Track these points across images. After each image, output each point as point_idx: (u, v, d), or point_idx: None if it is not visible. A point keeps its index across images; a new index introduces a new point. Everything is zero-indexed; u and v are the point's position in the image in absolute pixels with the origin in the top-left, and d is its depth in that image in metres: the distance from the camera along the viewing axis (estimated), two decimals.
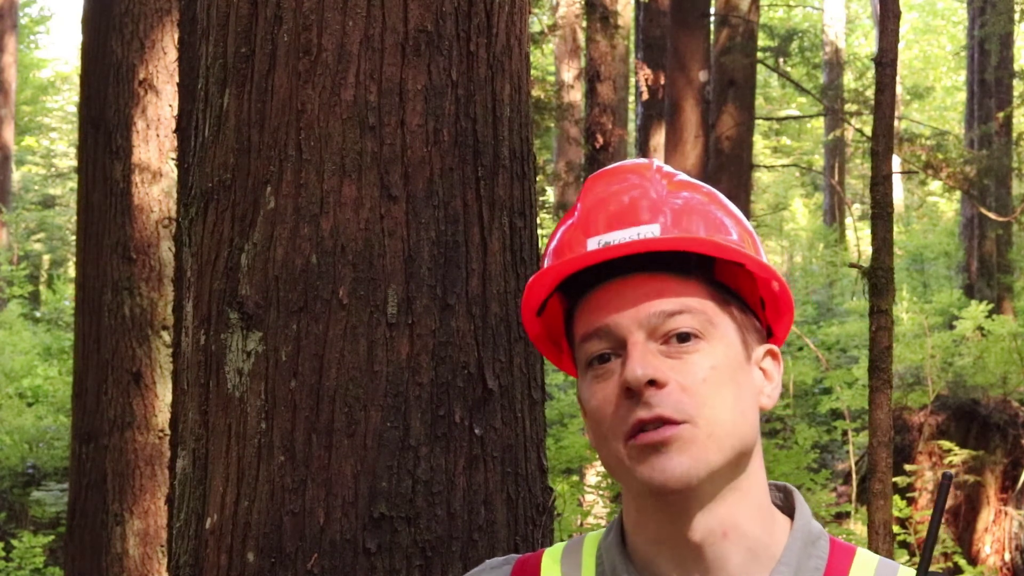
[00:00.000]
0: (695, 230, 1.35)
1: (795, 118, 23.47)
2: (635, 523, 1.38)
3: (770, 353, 1.41)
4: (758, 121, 16.63)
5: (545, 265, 1.40)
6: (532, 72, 2.70)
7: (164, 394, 6.39)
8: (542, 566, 1.43)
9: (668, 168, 1.44)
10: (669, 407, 1.30)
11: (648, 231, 1.33)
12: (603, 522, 8.42)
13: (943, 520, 8.59)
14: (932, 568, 1.39)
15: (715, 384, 1.32)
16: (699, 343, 1.33)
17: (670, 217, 1.35)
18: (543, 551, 1.46)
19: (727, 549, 1.34)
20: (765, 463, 1.40)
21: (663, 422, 1.30)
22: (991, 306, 10.84)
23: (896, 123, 11.23)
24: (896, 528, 7.19)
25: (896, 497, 7.45)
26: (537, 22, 13.09)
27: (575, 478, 9.58)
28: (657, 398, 1.30)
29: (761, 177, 26.61)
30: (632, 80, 17.47)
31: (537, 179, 2.56)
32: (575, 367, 1.44)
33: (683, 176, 1.42)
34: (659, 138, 14.20)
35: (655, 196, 1.36)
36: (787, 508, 1.41)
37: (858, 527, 7.96)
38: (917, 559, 7.76)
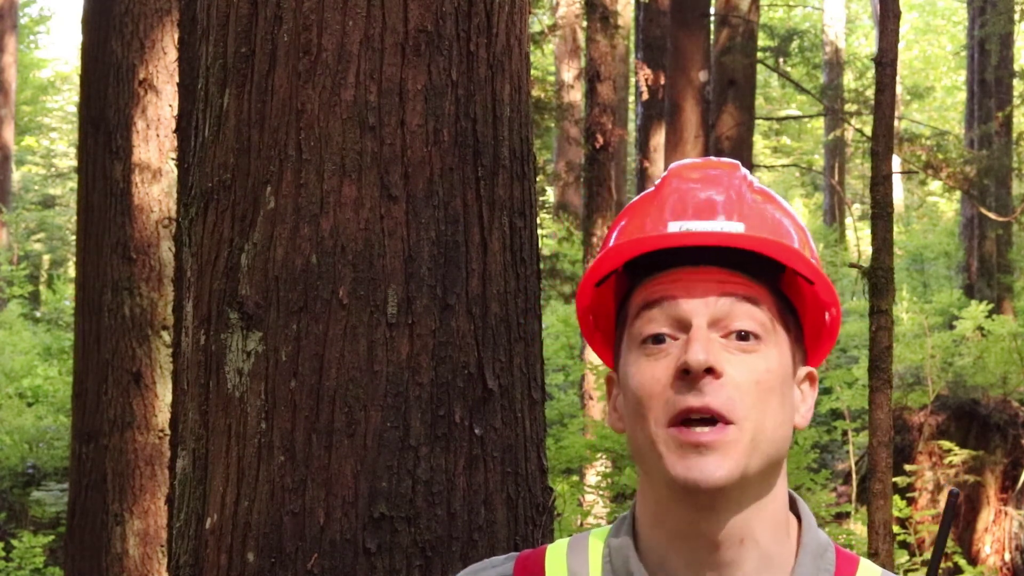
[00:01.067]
0: (779, 238, 1.35)
1: (795, 118, 23.47)
2: (652, 516, 1.37)
3: (809, 376, 1.41)
4: (758, 121, 16.63)
5: (612, 242, 1.39)
6: (532, 72, 2.71)
7: (164, 394, 6.39)
8: (546, 562, 1.42)
9: (749, 175, 1.43)
10: (720, 400, 1.29)
11: (733, 227, 1.33)
12: (603, 522, 8.41)
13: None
14: (917, 563, 1.40)
15: (766, 389, 1.31)
16: (759, 344, 1.32)
17: (753, 219, 1.35)
18: (545, 547, 1.44)
19: (742, 555, 1.34)
20: None
21: (710, 414, 1.29)
22: (991, 306, 10.83)
23: (896, 123, 11.23)
24: (896, 528, 7.19)
25: (896, 497, 7.45)
26: (537, 22, 13.09)
27: (575, 478, 9.58)
28: (711, 388, 1.29)
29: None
30: (632, 80, 17.47)
31: (537, 179, 2.56)
32: (608, 347, 1.43)
33: (761, 185, 1.42)
34: (659, 138, 14.20)
35: (739, 197, 1.36)
36: (793, 515, 1.40)
37: (858, 527, 7.96)
38: (917, 559, 7.75)
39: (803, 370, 1.40)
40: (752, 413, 1.30)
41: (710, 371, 1.29)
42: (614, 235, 1.40)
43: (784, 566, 1.35)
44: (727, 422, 1.29)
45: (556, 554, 1.43)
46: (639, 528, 1.39)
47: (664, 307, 1.33)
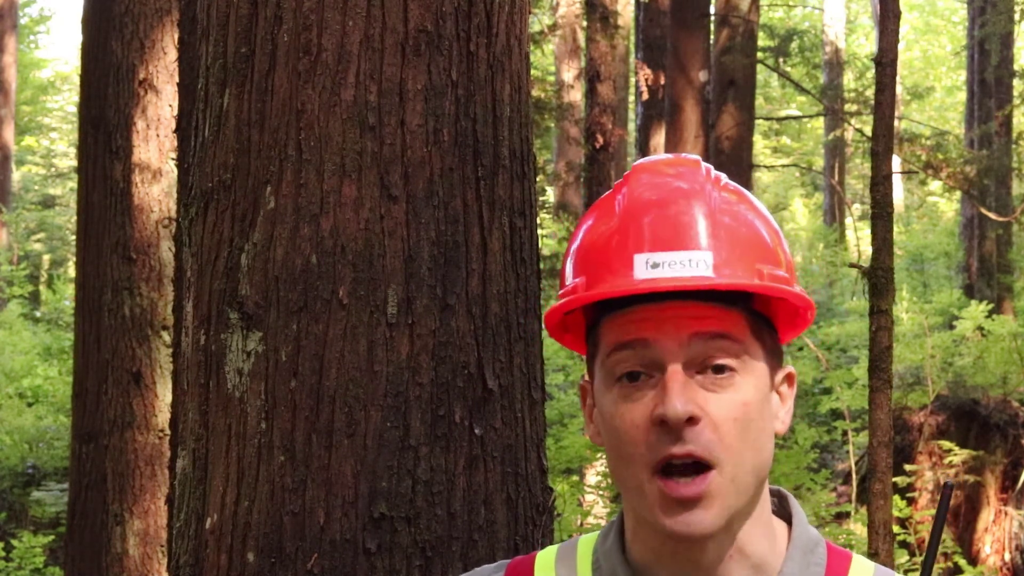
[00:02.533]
0: (748, 262, 1.31)
1: (795, 118, 23.47)
2: (634, 533, 1.37)
3: (787, 377, 1.39)
4: (758, 121, 16.63)
5: (573, 252, 1.36)
6: (532, 72, 2.71)
7: (164, 394, 6.39)
8: (535, 570, 1.42)
9: (714, 171, 1.39)
10: (701, 445, 1.28)
11: (701, 259, 1.28)
12: (603, 522, 8.41)
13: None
14: (917, 563, 1.40)
15: (743, 423, 1.30)
16: (734, 376, 1.30)
17: (724, 245, 1.30)
18: (535, 554, 1.44)
19: (731, 568, 1.34)
20: None
21: (693, 459, 1.28)
22: (991, 306, 10.83)
23: (896, 123, 11.23)
24: (896, 528, 7.19)
25: (896, 497, 7.45)
26: (537, 22, 13.08)
27: (575, 478, 9.58)
28: (691, 434, 1.28)
29: (761, 177, 26.61)
30: (632, 80, 17.47)
31: (537, 179, 2.56)
32: (580, 345, 1.42)
33: (727, 180, 1.38)
34: (659, 138, 14.20)
35: (707, 210, 1.31)
36: (783, 514, 1.40)
37: (858, 527, 7.96)
38: (917, 559, 7.76)
39: (780, 373, 1.38)
40: (731, 453, 1.29)
41: (690, 420, 1.28)
42: (577, 240, 1.37)
43: (775, 567, 1.35)
44: (709, 466, 1.29)
45: (545, 561, 1.43)
46: (627, 534, 1.39)
47: (636, 349, 1.31)
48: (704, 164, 1.39)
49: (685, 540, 1.30)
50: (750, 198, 1.39)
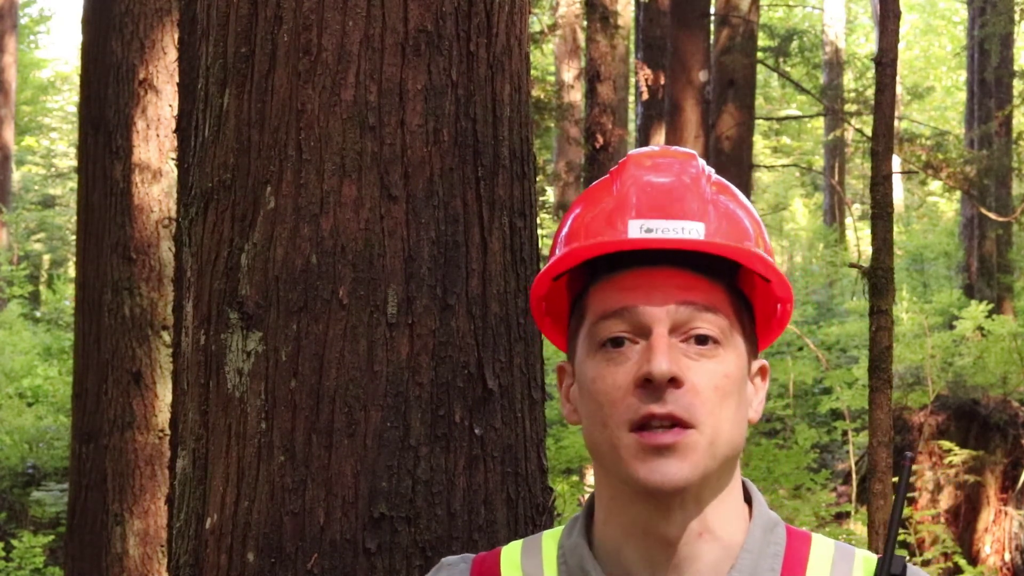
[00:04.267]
0: (737, 239, 1.34)
1: (795, 118, 23.47)
2: (607, 512, 1.38)
3: (761, 369, 1.42)
4: (758, 121, 16.63)
5: (566, 229, 1.38)
6: (532, 72, 2.71)
7: (164, 394, 6.39)
8: (501, 564, 1.42)
9: (705, 164, 1.42)
10: (681, 407, 1.31)
11: (693, 228, 1.32)
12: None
13: (942, 520, 8.54)
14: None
15: (724, 393, 1.32)
16: (717, 348, 1.33)
17: (714, 217, 1.34)
18: (500, 549, 1.45)
19: (700, 548, 1.35)
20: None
21: (673, 421, 1.30)
22: (991, 306, 10.84)
23: (896, 123, 11.22)
24: None
25: None
26: (537, 22, 13.08)
27: (575, 478, 9.59)
28: (673, 396, 1.30)
29: (761, 177, 26.61)
30: (632, 80, 17.47)
31: (537, 179, 2.56)
32: (559, 333, 1.45)
33: (718, 177, 1.41)
34: (659, 138, 14.20)
35: (698, 192, 1.35)
36: (745, 498, 1.42)
37: (858, 527, 7.96)
38: (917, 559, 7.77)
39: (755, 364, 1.41)
40: (711, 418, 1.31)
41: (673, 380, 1.30)
42: (568, 223, 1.39)
43: (739, 547, 1.37)
44: (688, 426, 1.31)
45: (510, 556, 1.43)
46: (594, 527, 1.40)
47: (624, 316, 1.33)
48: (698, 157, 1.42)
49: (657, 493, 1.32)
50: (734, 191, 1.41)
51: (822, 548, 1.39)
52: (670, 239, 1.31)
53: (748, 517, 1.39)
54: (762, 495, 1.43)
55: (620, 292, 1.34)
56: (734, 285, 1.37)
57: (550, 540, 1.42)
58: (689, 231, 1.31)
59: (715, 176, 1.40)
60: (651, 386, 1.30)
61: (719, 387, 1.32)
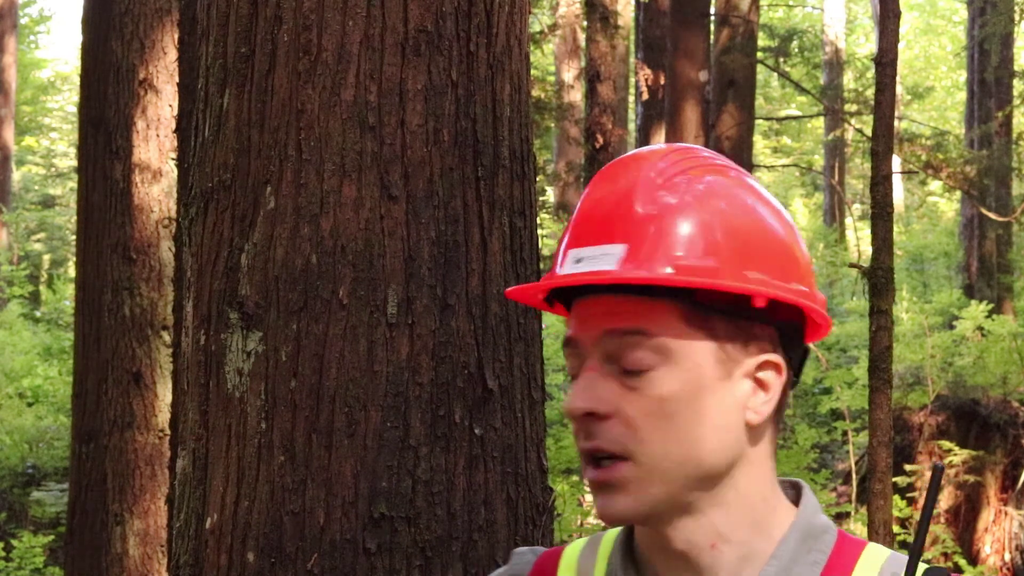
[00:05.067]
0: (666, 253, 1.27)
1: (795, 118, 23.47)
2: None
3: (769, 364, 1.32)
4: (758, 121, 16.62)
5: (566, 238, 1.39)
6: (532, 72, 2.70)
7: (164, 394, 6.39)
8: (561, 560, 1.43)
9: (696, 152, 1.34)
10: (608, 440, 1.27)
11: (612, 252, 1.27)
12: (603, 522, 8.41)
13: (942, 520, 8.53)
14: (935, 565, 1.37)
15: (662, 417, 1.27)
16: (648, 374, 1.27)
17: (640, 238, 1.27)
18: (564, 547, 1.45)
19: (717, 558, 1.32)
20: None
21: (602, 454, 1.28)
22: (991, 306, 10.84)
23: (896, 123, 11.22)
24: (896, 528, 7.19)
25: (896, 497, 7.45)
26: (537, 22, 13.08)
27: (575, 478, 9.58)
28: (598, 429, 1.27)
29: (761, 177, 26.59)
30: (632, 80, 17.47)
31: (537, 179, 2.56)
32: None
33: (705, 160, 1.33)
34: (659, 138, 14.20)
35: (642, 199, 1.29)
36: (797, 504, 1.37)
37: (858, 527, 7.96)
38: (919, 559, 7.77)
39: (753, 360, 1.31)
40: (645, 448, 1.27)
41: (592, 415, 1.27)
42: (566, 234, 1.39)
43: (767, 553, 1.32)
44: (622, 459, 1.28)
45: (571, 552, 1.44)
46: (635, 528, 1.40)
47: (572, 347, 1.32)
48: (672, 151, 1.34)
49: (611, 524, 1.32)
50: (723, 184, 1.33)
51: (873, 556, 1.33)
52: (579, 274, 1.28)
53: (790, 522, 1.34)
54: (815, 499, 1.36)
55: (571, 322, 1.34)
56: (690, 295, 1.29)
57: (608, 538, 1.42)
58: (608, 256, 1.27)
59: (682, 165, 1.32)
60: (578, 421, 1.29)
61: (654, 412, 1.27)
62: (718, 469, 1.30)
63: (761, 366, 1.32)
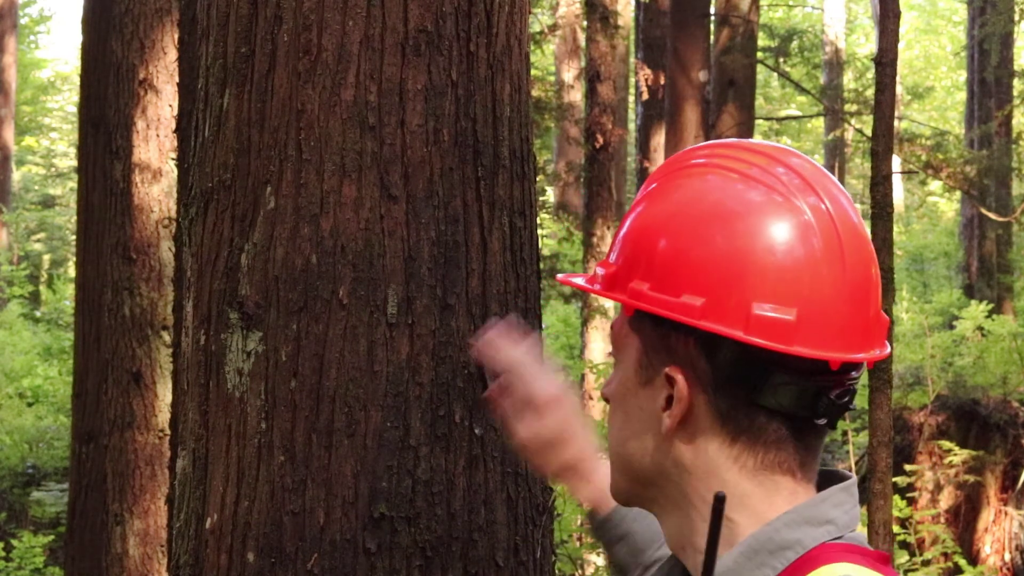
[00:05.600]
0: (625, 267, 1.33)
1: (795, 118, 23.47)
2: None
3: (677, 375, 1.29)
4: (758, 121, 16.62)
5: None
6: (532, 72, 2.70)
7: (164, 394, 6.39)
8: None
9: (701, 152, 1.34)
10: None
11: (603, 266, 1.37)
12: None
13: (943, 520, 8.49)
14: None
15: (611, 411, 1.37)
16: (616, 368, 1.38)
17: (619, 241, 1.36)
18: None
19: (688, 561, 1.33)
20: None
21: None
22: (991, 306, 10.84)
23: (896, 123, 11.23)
24: (896, 528, 7.19)
25: (896, 497, 7.44)
26: (537, 22, 13.08)
27: None
28: None
29: None
30: (632, 80, 17.47)
31: (537, 179, 2.56)
32: None
33: (696, 159, 1.33)
34: (659, 138, 14.20)
35: (638, 211, 1.36)
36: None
37: (858, 527, 7.96)
38: (917, 559, 7.72)
39: (667, 370, 1.29)
40: (608, 437, 1.38)
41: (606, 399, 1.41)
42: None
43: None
44: None
45: None
46: None
47: None
48: (681, 154, 1.37)
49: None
50: (677, 188, 1.32)
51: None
52: (586, 277, 1.40)
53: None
54: (814, 512, 1.29)
55: None
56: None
57: None
58: (597, 266, 1.38)
59: (671, 167, 1.35)
60: None
61: (609, 406, 1.38)
62: (646, 472, 1.33)
63: (670, 376, 1.30)
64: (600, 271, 1.35)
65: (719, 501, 1.18)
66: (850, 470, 9.37)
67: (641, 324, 1.32)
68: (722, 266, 1.26)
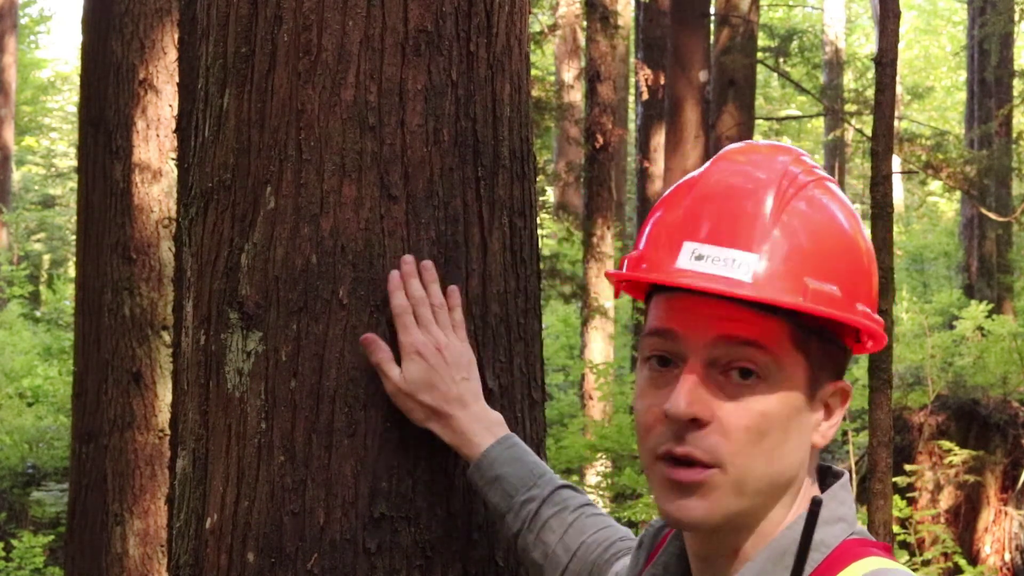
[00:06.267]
0: (796, 274, 1.26)
1: (795, 118, 23.48)
2: None
3: (839, 390, 1.33)
4: (758, 121, 16.62)
5: (648, 228, 1.35)
6: (532, 72, 2.70)
7: (164, 394, 6.39)
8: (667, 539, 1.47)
9: (807, 161, 1.33)
10: (701, 449, 1.27)
11: (744, 262, 1.25)
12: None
13: (943, 520, 8.53)
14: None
15: (758, 432, 1.27)
16: (758, 384, 1.27)
17: (777, 250, 1.26)
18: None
19: (732, 568, 1.34)
20: None
21: (693, 462, 1.28)
22: (991, 306, 10.85)
23: (896, 123, 11.23)
24: (896, 528, 7.20)
25: (896, 497, 7.45)
26: (537, 22, 13.08)
27: (575, 478, 9.58)
28: (693, 437, 1.27)
29: None
30: (632, 80, 17.47)
31: (537, 179, 2.56)
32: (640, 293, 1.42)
33: (815, 173, 1.32)
34: (659, 138, 14.21)
35: (770, 208, 1.27)
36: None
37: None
38: (917, 559, 7.75)
39: (831, 387, 1.32)
40: (738, 458, 1.27)
41: (695, 421, 1.27)
42: (651, 221, 1.36)
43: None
44: (710, 466, 1.28)
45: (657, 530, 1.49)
46: None
47: (666, 338, 1.31)
48: (797, 157, 1.34)
49: (677, 527, 1.33)
50: (835, 202, 1.32)
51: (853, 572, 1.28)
52: (705, 275, 1.26)
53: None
54: (820, 522, 1.31)
55: (667, 312, 1.31)
56: (796, 317, 1.29)
57: None
58: (739, 265, 1.25)
59: (805, 176, 1.31)
60: (672, 423, 1.28)
61: (752, 427, 1.26)
62: (781, 487, 1.31)
63: (835, 392, 1.33)
64: (799, 298, 1.25)
65: (816, 505, 1.22)
66: (850, 470, 9.37)
67: (807, 340, 1.29)
68: (872, 277, 1.34)
